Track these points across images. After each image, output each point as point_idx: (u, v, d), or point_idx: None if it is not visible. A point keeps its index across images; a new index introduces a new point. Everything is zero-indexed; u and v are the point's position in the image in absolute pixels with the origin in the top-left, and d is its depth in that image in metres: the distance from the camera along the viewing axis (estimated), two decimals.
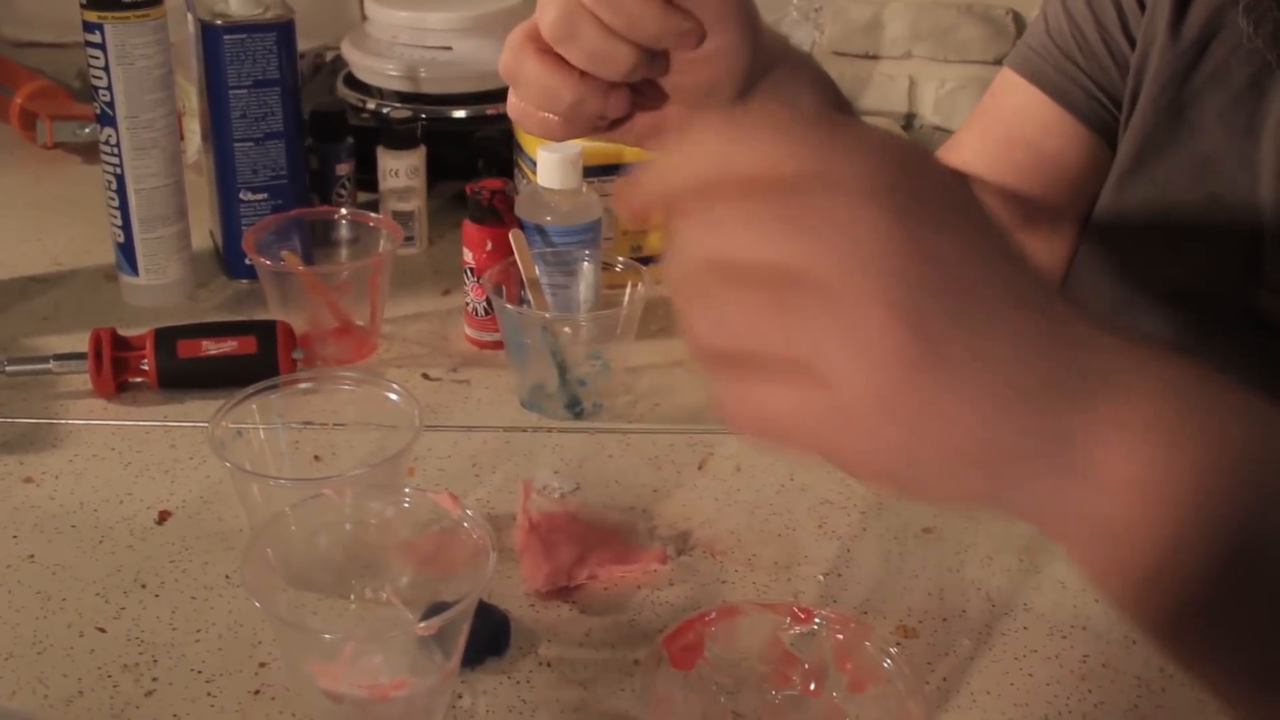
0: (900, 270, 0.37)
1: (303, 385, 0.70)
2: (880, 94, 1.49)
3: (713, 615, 0.60)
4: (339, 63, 1.21)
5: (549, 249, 0.86)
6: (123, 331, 0.83)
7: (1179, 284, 0.75)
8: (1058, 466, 0.39)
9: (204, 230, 1.01)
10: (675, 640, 0.58)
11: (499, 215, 0.86)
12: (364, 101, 1.13)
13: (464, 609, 0.54)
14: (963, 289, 0.37)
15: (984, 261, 0.38)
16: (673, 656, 0.58)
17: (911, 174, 0.38)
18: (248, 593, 0.55)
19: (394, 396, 0.69)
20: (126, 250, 0.93)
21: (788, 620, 0.60)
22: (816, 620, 0.59)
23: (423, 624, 0.53)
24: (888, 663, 0.58)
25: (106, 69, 0.87)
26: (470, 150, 1.08)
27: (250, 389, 0.68)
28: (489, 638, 0.62)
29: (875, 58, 1.47)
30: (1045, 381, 0.38)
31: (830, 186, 0.37)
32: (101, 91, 0.88)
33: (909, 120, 1.50)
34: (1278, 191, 0.70)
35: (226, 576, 0.67)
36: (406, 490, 0.61)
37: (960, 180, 0.40)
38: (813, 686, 0.59)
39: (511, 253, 0.85)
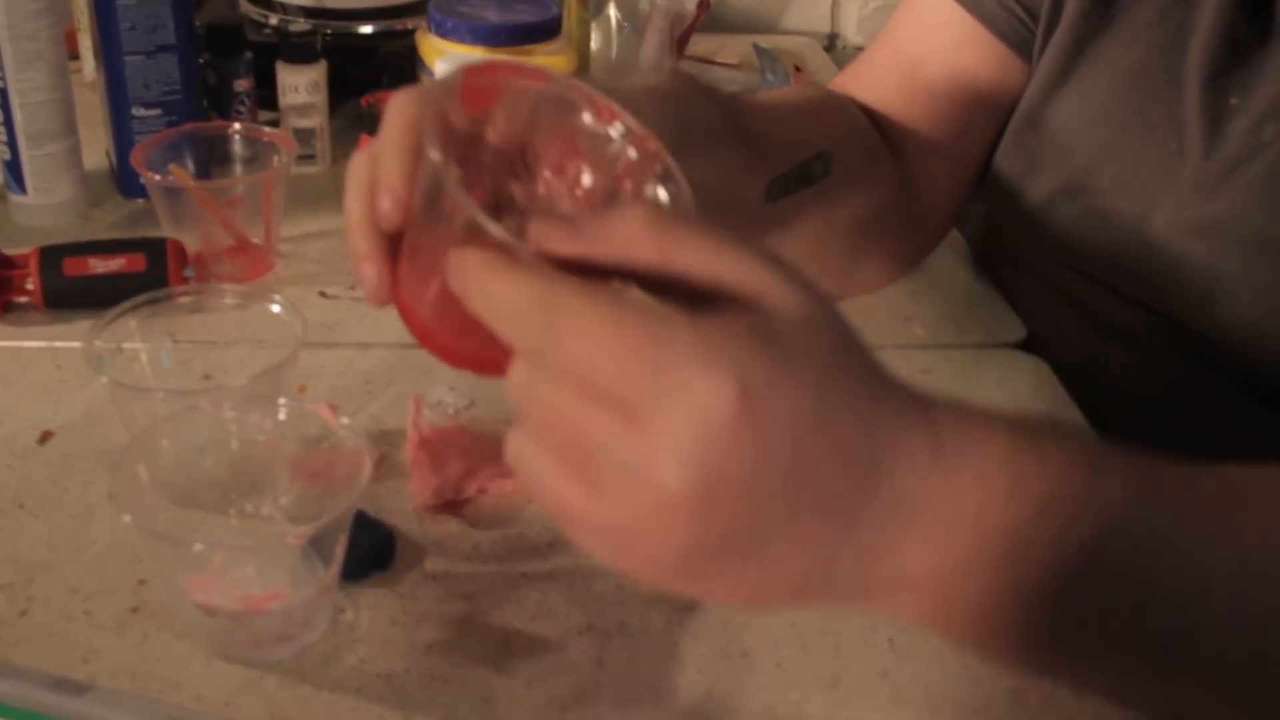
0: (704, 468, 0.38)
1: (183, 300, 0.68)
2: (802, 14, 1.48)
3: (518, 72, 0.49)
4: None
5: None
6: (8, 251, 0.81)
7: (1098, 201, 0.75)
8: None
9: (101, 149, 0.99)
10: (478, 75, 0.49)
11: None
12: (265, 16, 1.10)
13: (336, 519, 0.53)
14: (757, 504, 0.39)
15: (798, 462, 0.39)
16: (465, 91, 0.48)
17: (784, 348, 0.39)
18: (115, 505, 0.54)
19: (277, 309, 0.68)
20: (13, 168, 0.90)
21: (587, 113, 0.49)
22: (616, 128, 0.49)
23: (293, 533, 0.53)
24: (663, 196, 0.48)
25: None
26: (376, 66, 1.06)
27: (127, 303, 0.66)
28: (373, 552, 0.62)
29: None
30: (827, 572, 0.41)
31: (689, 343, 0.38)
32: None
33: (831, 40, 1.49)
34: (1201, 105, 0.70)
35: (110, 495, 0.66)
36: (282, 401, 0.59)
37: (840, 341, 0.40)
38: (579, 193, 0.49)
39: None
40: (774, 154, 0.66)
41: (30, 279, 0.79)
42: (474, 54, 0.90)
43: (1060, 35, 0.75)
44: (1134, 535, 0.42)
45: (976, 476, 0.41)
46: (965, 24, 0.79)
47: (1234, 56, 0.69)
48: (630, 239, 0.40)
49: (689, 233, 0.40)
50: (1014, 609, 0.42)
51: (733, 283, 0.40)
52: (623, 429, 0.38)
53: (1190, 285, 0.71)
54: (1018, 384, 0.80)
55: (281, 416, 0.59)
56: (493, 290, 0.40)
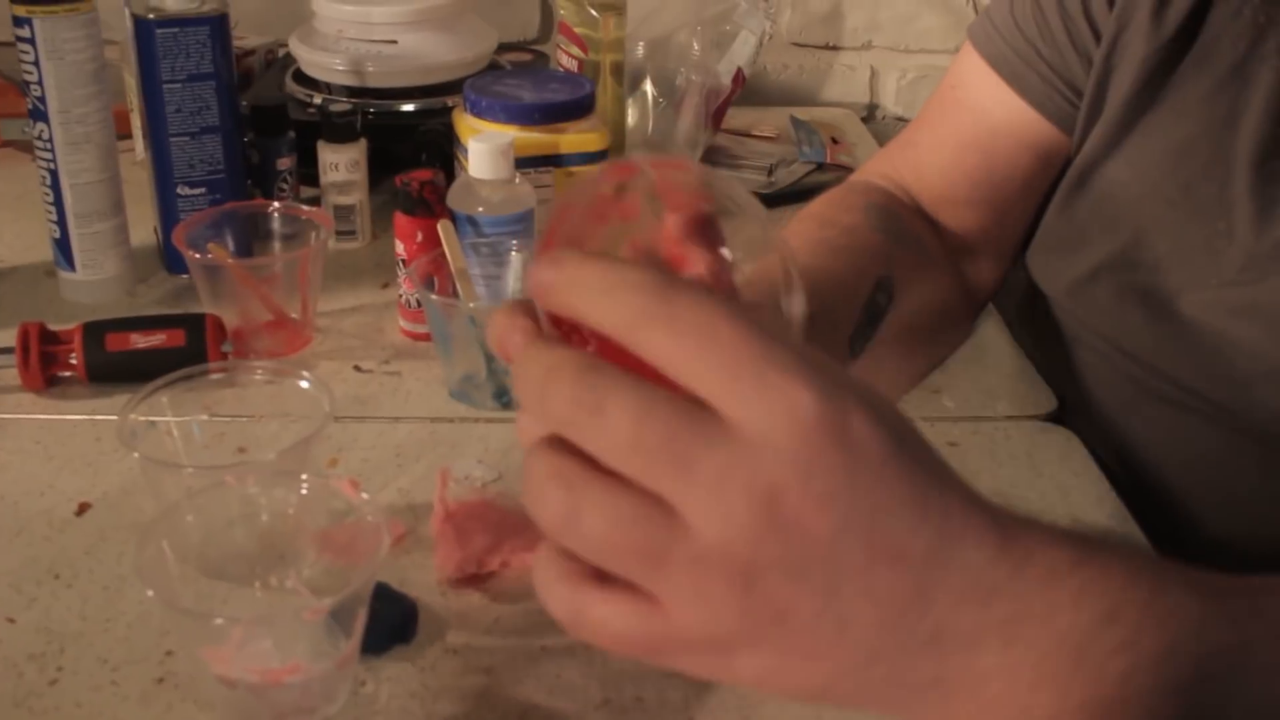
0: (758, 540, 0.36)
1: (216, 376, 0.70)
2: (841, 85, 1.49)
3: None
4: (290, 59, 1.21)
5: (480, 239, 0.86)
6: (55, 326, 0.83)
7: (1142, 276, 0.74)
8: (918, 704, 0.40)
9: (150, 226, 1.01)
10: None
11: (429, 206, 0.86)
12: (310, 96, 1.13)
13: (354, 593, 0.54)
14: (822, 554, 0.37)
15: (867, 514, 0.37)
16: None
17: (848, 419, 0.37)
18: (138, 577, 0.55)
19: (305, 385, 0.69)
20: (63, 245, 0.93)
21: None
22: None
23: (310, 608, 0.53)
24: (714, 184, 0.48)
25: (37, 63, 0.87)
26: (415, 144, 1.08)
27: (161, 380, 0.68)
28: (396, 625, 0.62)
29: (835, 48, 1.47)
30: (901, 644, 0.38)
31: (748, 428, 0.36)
32: (33, 86, 0.88)
33: (871, 111, 1.50)
34: (1251, 186, 0.69)
35: (134, 569, 0.67)
36: (304, 477, 0.60)
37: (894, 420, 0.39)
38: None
39: (441, 244, 0.85)
40: (841, 308, 0.66)
41: (74, 354, 0.81)
42: (508, 132, 0.91)
43: (1111, 107, 0.75)
44: (1200, 654, 0.40)
45: (1045, 575, 0.39)
46: (1009, 102, 0.80)
47: None
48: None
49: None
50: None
51: None
52: (720, 434, 0.36)
53: (1233, 367, 0.70)
54: (1047, 456, 0.79)
55: (304, 492, 0.60)
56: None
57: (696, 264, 0.45)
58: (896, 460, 0.38)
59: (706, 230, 0.45)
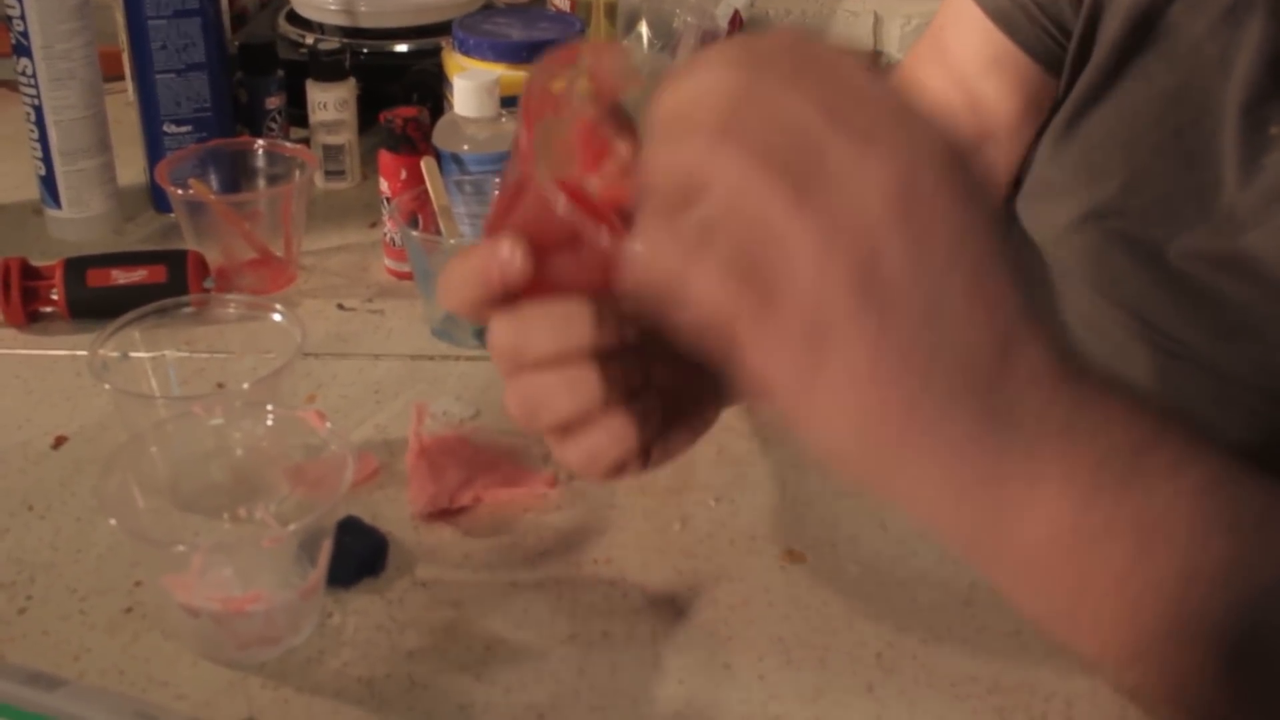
0: (888, 226, 0.38)
1: (187, 311, 0.70)
2: (844, 31, 1.47)
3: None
4: (285, 0, 1.20)
5: (465, 177, 0.86)
6: (39, 263, 0.83)
7: (1127, 225, 0.73)
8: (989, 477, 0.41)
9: (141, 166, 1.01)
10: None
11: (413, 143, 0.85)
12: (302, 36, 1.12)
13: (314, 520, 0.53)
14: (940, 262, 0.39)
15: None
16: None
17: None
18: (100, 506, 0.55)
19: (279, 319, 0.69)
20: (48, 183, 0.92)
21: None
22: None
23: (267, 536, 0.53)
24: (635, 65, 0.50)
25: None
26: (408, 84, 1.07)
27: (132, 314, 0.67)
28: (365, 558, 0.62)
29: None
30: (977, 392, 0.40)
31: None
32: (16, 21, 0.88)
33: (874, 57, 1.48)
34: (1239, 133, 0.67)
35: (95, 496, 0.67)
36: (270, 409, 0.60)
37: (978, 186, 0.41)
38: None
39: (425, 181, 0.84)
40: None
41: (55, 289, 0.81)
42: (495, 70, 0.90)
43: (1100, 51, 0.74)
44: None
45: (1100, 392, 0.43)
46: (996, 42, 0.78)
47: (1276, 84, 0.66)
48: None
49: None
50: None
51: None
52: (845, 142, 0.38)
53: (1218, 318, 0.69)
54: None
55: (269, 423, 0.60)
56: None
57: (603, 158, 0.47)
58: (982, 219, 0.40)
59: (616, 122, 0.47)
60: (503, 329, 0.49)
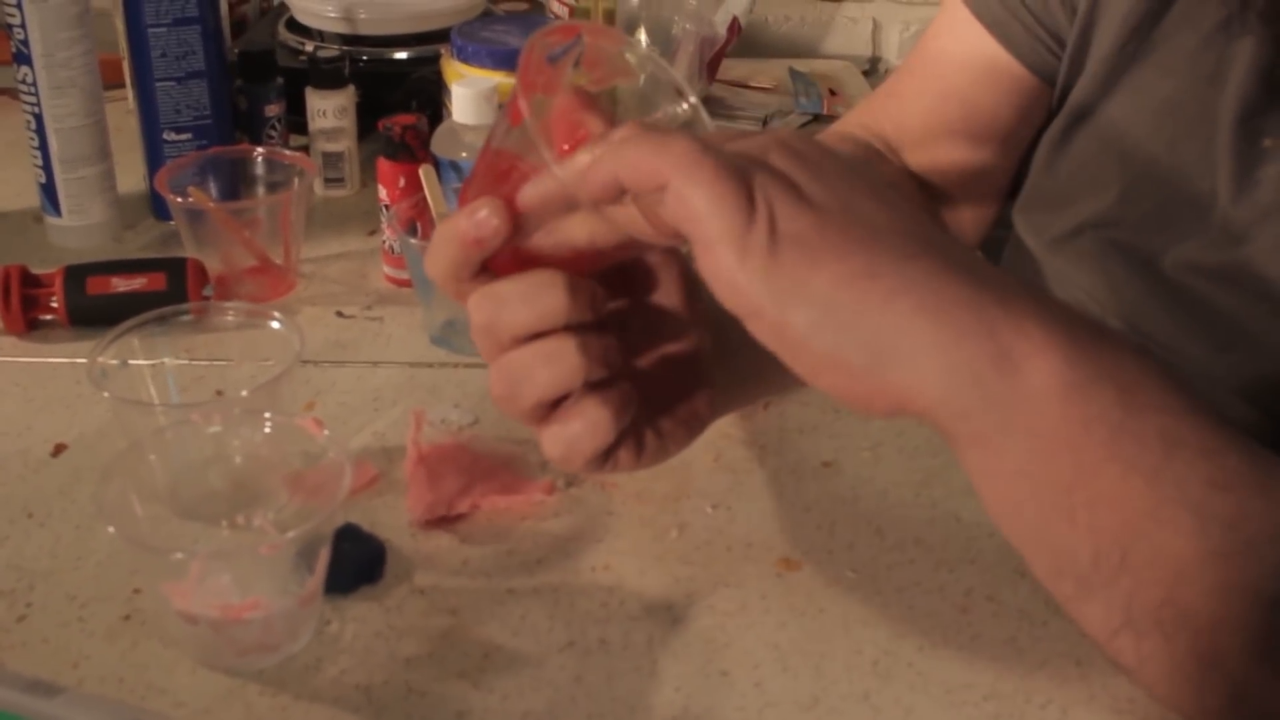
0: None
1: (186, 319, 0.70)
2: (843, 38, 1.47)
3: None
4: (283, 7, 1.20)
5: None
6: (39, 270, 0.83)
7: (1123, 235, 0.73)
8: (986, 354, 0.44)
9: (141, 173, 1.01)
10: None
11: (411, 151, 0.85)
12: (302, 43, 1.12)
13: (312, 528, 0.54)
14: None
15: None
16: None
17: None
18: (99, 514, 0.55)
19: (277, 326, 0.69)
20: (49, 191, 0.93)
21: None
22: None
23: (265, 544, 0.53)
24: (636, 57, 0.53)
25: (19, 6, 0.87)
26: (407, 91, 1.07)
27: (131, 321, 0.68)
28: (363, 565, 0.62)
29: (837, 0, 1.46)
30: (934, 256, 0.45)
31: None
32: (16, 30, 0.88)
33: (873, 64, 1.49)
34: (1233, 145, 0.68)
35: (94, 504, 0.67)
36: (268, 416, 0.60)
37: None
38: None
39: (423, 189, 0.84)
40: None
41: (55, 297, 0.81)
42: (494, 78, 0.91)
43: (1095, 60, 0.74)
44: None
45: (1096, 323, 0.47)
46: (991, 51, 0.79)
47: (1270, 96, 0.66)
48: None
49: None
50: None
51: None
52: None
53: (1212, 330, 0.69)
54: None
55: (267, 430, 0.60)
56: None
57: (577, 144, 0.49)
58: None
59: (597, 110, 0.49)
60: (480, 305, 0.50)
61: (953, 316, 0.44)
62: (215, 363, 0.75)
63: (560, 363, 0.49)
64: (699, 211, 0.43)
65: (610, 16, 1.10)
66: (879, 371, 0.44)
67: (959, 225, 0.82)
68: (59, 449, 0.72)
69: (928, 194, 0.80)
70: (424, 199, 0.84)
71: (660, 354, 0.55)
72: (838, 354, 0.44)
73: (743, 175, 0.44)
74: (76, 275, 0.82)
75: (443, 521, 0.66)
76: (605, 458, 0.52)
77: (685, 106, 0.51)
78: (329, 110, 1.00)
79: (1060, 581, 0.48)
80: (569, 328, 0.49)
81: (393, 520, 0.66)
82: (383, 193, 0.87)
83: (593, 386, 0.50)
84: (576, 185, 0.46)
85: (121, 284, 0.82)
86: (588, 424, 0.50)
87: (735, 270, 0.44)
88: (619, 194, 0.45)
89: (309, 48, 1.11)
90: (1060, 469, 0.45)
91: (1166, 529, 0.45)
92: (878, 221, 0.45)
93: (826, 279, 0.43)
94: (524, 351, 0.49)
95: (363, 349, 0.83)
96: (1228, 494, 0.45)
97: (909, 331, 0.43)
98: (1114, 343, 0.46)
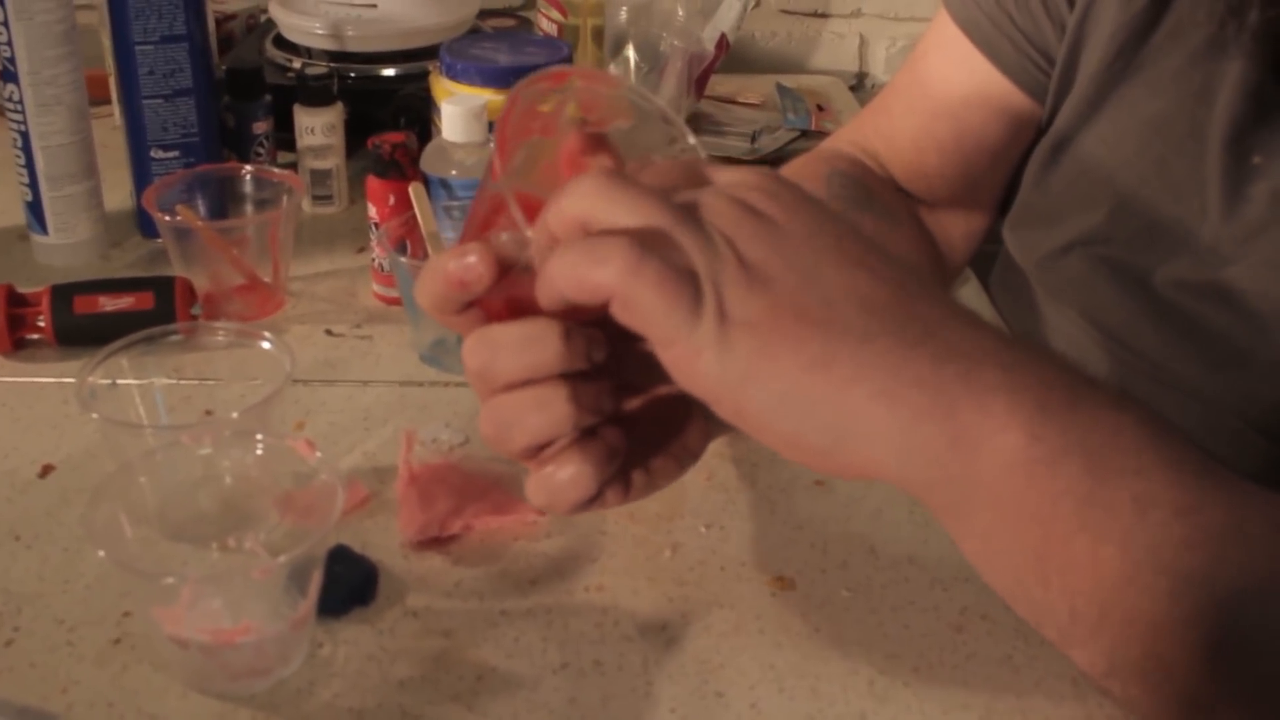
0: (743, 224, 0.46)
1: (176, 339, 0.69)
2: (830, 53, 1.48)
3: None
4: (271, 24, 1.20)
5: (454, 202, 0.86)
6: (26, 289, 0.83)
7: (1113, 252, 0.73)
8: (946, 430, 0.44)
9: (128, 190, 1.01)
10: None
11: (401, 168, 0.85)
12: (290, 61, 1.12)
13: (304, 551, 0.53)
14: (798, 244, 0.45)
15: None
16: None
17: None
18: (88, 536, 0.54)
19: (267, 346, 0.69)
20: (35, 209, 0.92)
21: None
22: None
23: (258, 566, 0.53)
24: (634, 97, 0.54)
25: (6, 24, 0.86)
26: (395, 108, 1.07)
27: (120, 342, 0.67)
28: (355, 587, 0.62)
29: (824, 15, 1.46)
30: (891, 334, 0.44)
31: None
32: (2, 47, 0.87)
33: (860, 79, 1.49)
34: (1222, 163, 0.67)
35: (83, 527, 0.66)
36: (259, 438, 0.60)
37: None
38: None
39: (413, 206, 0.84)
40: None
41: (42, 316, 0.81)
42: (483, 95, 0.90)
43: (1083, 78, 0.74)
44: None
45: (1032, 346, 0.47)
46: (980, 69, 0.79)
47: (1259, 113, 0.66)
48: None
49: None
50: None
51: None
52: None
53: (1203, 348, 0.69)
54: None
55: (259, 452, 0.60)
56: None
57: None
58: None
59: (599, 151, 0.50)
60: (475, 350, 0.49)
61: (909, 399, 0.44)
62: (205, 382, 0.75)
63: (551, 410, 0.49)
64: (648, 315, 0.44)
65: (599, 34, 1.11)
66: (841, 452, 0.45)
67: (949, 242, 0.82)
68: (46, 470, 0.71)
69: (918, 211, 0.80)
70: (413, 217, 0.83)
71: (653, 392, 0.54)
72: (799, 437, 0.45)
73: (688, 270, 0.44)
74: (64, 294, 0.81)
75: (435, 542, 0.66)
76: (591, 500, 0.52)
77: (686, 144, 0.52)
78: (317, 127, 0.99)
79: (1043, 630, 0.49)
80: (563, 375, 0.49)
81: (384, 541, 0.66)
82: (372, 210, 0.87)
83: (582, 432, 0.50)
84: (543, 256, 0.46)
85: (109, 303, 0.81)
86: (571, 476, 0.50)
87: (692, 362, 0.44)
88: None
89: (297, 64, 1.11)
90: (1028, 540, 0.45)
91: (1143, 594, 0.44)
92: (836, 293, 0.44)
93: (781, 369, 0.44)
94: (516, 396, 0.49)
95: (352, 368, 0.82)
96: (1203, 552, 0.44)
97: (866, 417, 0.44)
98: (1091, 402, 0.45)
